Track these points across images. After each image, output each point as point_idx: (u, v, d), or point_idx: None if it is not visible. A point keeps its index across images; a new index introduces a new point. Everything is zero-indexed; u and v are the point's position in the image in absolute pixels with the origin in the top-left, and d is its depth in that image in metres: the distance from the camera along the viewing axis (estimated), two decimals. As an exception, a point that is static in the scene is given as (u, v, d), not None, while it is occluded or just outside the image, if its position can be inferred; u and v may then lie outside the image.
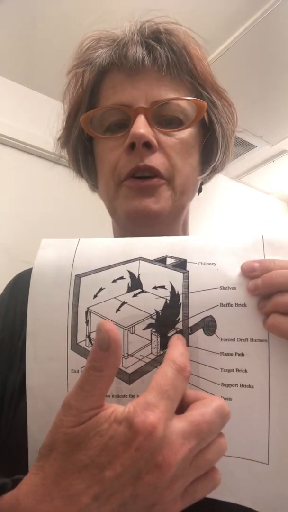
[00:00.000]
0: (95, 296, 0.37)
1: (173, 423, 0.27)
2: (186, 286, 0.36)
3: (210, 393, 0.34)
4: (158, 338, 0.35)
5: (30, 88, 1.97)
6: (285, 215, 3.28)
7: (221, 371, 0.34)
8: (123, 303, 0.36)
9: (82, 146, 0.57)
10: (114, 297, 0.37)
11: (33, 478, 0.27)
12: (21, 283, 0.51)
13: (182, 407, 0.30)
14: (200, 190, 0.60)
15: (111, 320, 0.36)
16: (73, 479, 0.26)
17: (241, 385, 0.34)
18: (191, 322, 0.35)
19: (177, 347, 0.32)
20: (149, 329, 0.35)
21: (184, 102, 0.51)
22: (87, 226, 1.91)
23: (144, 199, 0.49)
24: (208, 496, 0.31)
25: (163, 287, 0.36)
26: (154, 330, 0.35)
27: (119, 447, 0.26)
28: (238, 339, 0.34)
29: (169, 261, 0.37)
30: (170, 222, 0.53)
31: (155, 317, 0.36)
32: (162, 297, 0.36)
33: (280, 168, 2.73)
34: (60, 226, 1.87)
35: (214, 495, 0.32)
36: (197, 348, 0.35)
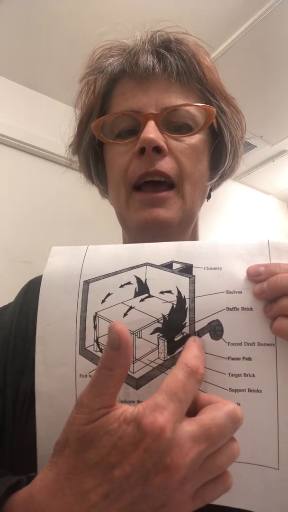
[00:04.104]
0: (103, 301, 0.37)
1: (183, 425, 0.28)
2: (192, 291, 0.36)
3: None
4: (165, 343, 0.35)
5: (30, 88, 1.97)
6: (285, 215, 3.28)
7: (229, 376, 0.34)
8: (131, 307, 0.36)
9: (93, 152, 0.58)
10: (122, 302, 0.37)
11: (47, 474, 0.28)
12: (32, 290, 0.51)
13: (194, 411, 0.30)
14: (209, 197, 0.60)
15: None
16: (84, 477, 0.26)
17: (249, 390, 0.34)
18: (198, 326, 0.35)
19: (191, 349, 0.32)
20: (156, 334, 0.36)
21: (194, 109, 0.51)
22: (87, 226, 1.92)
23: (154, 209, 0.49)
24: (217, 502, 0.31)
25: (169, 291, 0.37)
26: (161, 335, 0.36)
27: (127, 448, 0.26)
28: (245, 343, 0.35)
29: (175, 266, 0.38)
30: (181, 231, 0.53)
31: (162, 321, 0.36)
32: (169, 302, 0.36)
33: (280, 168, 2.73)
34: (60, 226, 1.87)
35: (224, 501, 0.32)
36: (204, 353, 0.35)
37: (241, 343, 0.35)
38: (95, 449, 0.27)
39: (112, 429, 0.27)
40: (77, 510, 0.26)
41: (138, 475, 0.26)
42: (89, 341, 0.36)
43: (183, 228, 0.53)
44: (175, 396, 0.28)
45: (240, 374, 0.34)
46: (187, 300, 0.36)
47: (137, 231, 0.52)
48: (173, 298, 0.36)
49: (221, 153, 0.56)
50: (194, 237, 0.59)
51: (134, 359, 0.36)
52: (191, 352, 0.32)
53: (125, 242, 0.60)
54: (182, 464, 0.26)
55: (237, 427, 0.29)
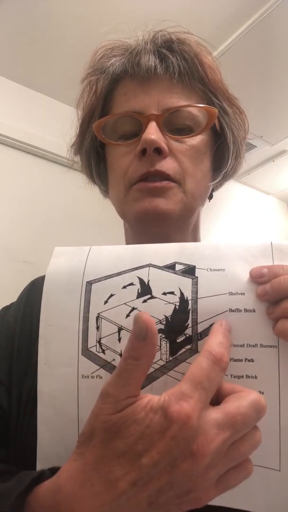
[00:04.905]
0: (105, 302, 0.37)
1: (208, 413, 0.28)
2: (195, 292, 0.36)
3: None
4: (168, 344, 0.35)
5: (30, 88, 1.97)
6: (285, 215, 3.29)
7: (231, 377, 0.34)
8: (133, 308, 0.36)
9: (94, 153, 0.58)
10: (124, 303, 0.37)
11: (73, 465, 0.28)
12: (35, 290, 0.51)
13: (217, 400, 0.31)
14: (211, 197, 0.60)
15: (121, 326, 0.36)
16: (112, 466, 0.27)
17: None
18: (200, 327, 0.35)
19: (216, 335, 0.32)
20: (159, 335, 0.36)
21: (195, 109, 0.51)
22: (87, 226, 1.92)
23: (153, 199, 0.49)
24: (218, 503, 0.31)
25: (172, 293, 0.37)
26: (163, 336, 0.36)
27: (155, 436, 0.27)
28: (248, 345, 0.35)
29: (178, 267, 0.38)
30: (180, 225, 0.53)
31: (164, 322, 0.36)
32: (172, 303, 0.36)
33: (280, 168, 2.73)
34: (60, 226, 1.87)
35: (225, 502, 0.32)
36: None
37: (244, 344, 0.35)
38: (122, 439, 0.27)
39: (139, 418, 0.27)
40: (106, 499, 0.26)
41: (165, 463, 0.26)
42: (92, 341, 0.36)
43: (182, 223, 0.53)
44: (200, 385, 0.28)
45: (242, 376, 0.34)
46: (190, 302, 0.36)
47: (137, 223, 0.51)
48: (175, 299, 0.36)
49: (223, 153, 0.56)
50: (195, 237, 0.59)
51: None
52: (215, 339, 0.32)
53: (127, 241, 0.60)
54: (208, 450, 0.27)
55: (261, 416, 0.30)
